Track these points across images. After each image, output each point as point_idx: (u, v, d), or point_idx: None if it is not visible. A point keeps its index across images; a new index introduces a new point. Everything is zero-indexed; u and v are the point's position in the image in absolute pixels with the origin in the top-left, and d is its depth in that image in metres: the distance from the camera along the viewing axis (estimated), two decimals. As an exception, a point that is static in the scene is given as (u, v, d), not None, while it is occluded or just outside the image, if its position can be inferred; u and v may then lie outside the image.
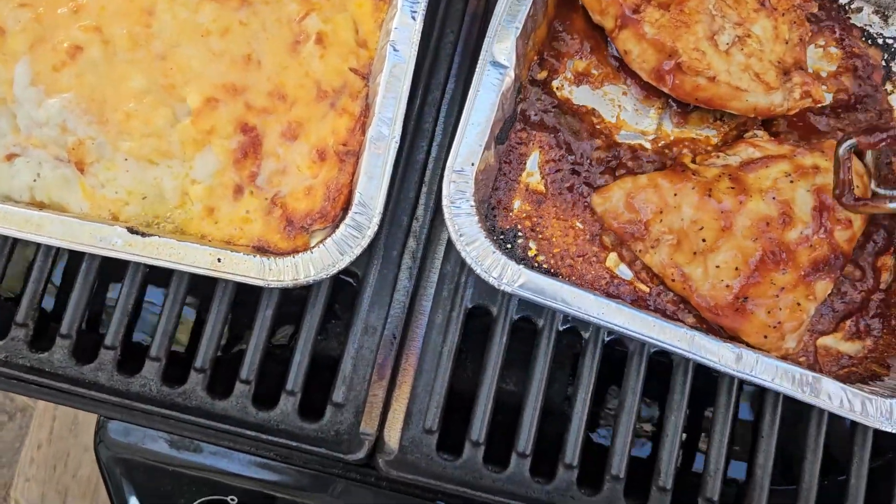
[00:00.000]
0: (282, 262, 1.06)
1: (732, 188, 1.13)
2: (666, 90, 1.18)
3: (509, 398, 1.23)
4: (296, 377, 1.16)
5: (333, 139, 1.17)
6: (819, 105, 1.22)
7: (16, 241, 1.21)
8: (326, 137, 1.17)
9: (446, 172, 1.08)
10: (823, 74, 1.30)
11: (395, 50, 1.11)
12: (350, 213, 1.07)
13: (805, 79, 1.16)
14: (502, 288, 1.06)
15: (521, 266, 1.07)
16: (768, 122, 1.26)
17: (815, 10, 1.24)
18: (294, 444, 1.14)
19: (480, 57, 1.12)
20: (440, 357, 1.17)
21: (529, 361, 1.18)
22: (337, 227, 1.15)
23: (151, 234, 1.06)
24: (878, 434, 1.14)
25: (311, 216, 1.16)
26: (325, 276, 1.05)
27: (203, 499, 1.25)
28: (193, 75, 1.17)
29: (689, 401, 1.17)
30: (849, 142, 1.07)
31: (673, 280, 1.15)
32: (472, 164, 1.08)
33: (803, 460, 1.16)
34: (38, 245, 1.20)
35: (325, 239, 1.13)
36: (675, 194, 1.14)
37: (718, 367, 1.07)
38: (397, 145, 1.09)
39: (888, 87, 1.31)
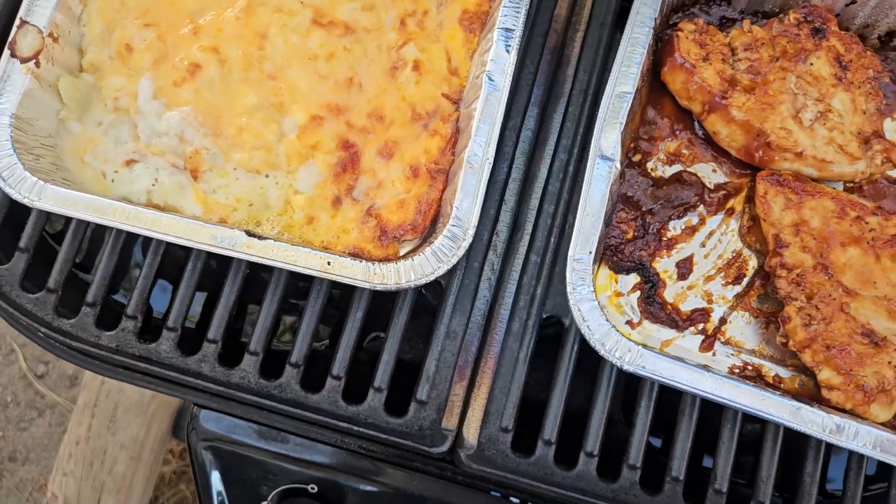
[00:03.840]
0: (385, 267, 1.16)
1: None
2: (755, 164, 1.30)
3: (571, 407, 1.33)
4: (383, 375, 1.26)
5: (425, 158, 1.28)
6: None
7: (126, 241, 1.32)
8: (419, 156, 1.28)
9: (568, 262, 1.19)
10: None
11: (490, 80, 1.22)
12: (447, 226, 1.18)
13: (885, 145, 1.28)
14: (624, 367, 1.17)
15: (641, 347, 1.17)
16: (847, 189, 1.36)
17: (888, 80, 1.34)
18: (383, 436, 1.24)
19: (590, 152, 1.22)
20: (516, 362, 1.27)
21: (597, 370, 1.28)
22: (425, 238, 1.26)
23: (267, 238, 1.16)
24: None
25: (403, 227, 1.26)
26: (424, 282, 1.16)
27: (286, 486, 1.34)
28: (301, 95, 1.28)
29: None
30: None
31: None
32: (590, 253, 1.19)
33: None
34: (150, 243, 1.30)
35: (415, 250, 1.24)
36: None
37: (820, 437, 1.15)
38: (490, 166, 1.19)
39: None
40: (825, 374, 1.18)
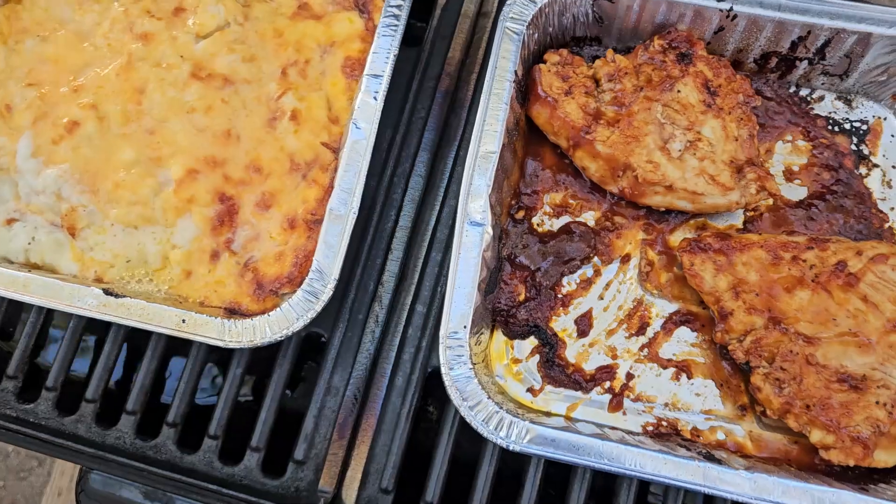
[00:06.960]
0: (241, 324, 1.13)
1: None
2: (628, 199, 1.23)
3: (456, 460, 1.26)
4: (260, 434, 1.22)
5: (303, 208, 1.25)
6: (776, 196, 1.24)
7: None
8: (297, 207, 1.25)
9: (441, 339, 1.09)
10: (795, 168, 1.29)
11: (357, 127, 1.19)
12: (307, 280, 1.14)
13: (758, 173, 1.18)
14: (510, 447, 1.05)
15: (527, 422, 1.07)
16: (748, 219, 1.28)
17: (759, 103, 1.26)
18: (255, 499, 1.18)
19: (457, 218, 1.14)
20: (398, 419, 1.22)
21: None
22: (306, 291, 1.22)
23: (124, 296, 1.14)
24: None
25: (280, 280, 1.22)
26: (280, 338, 1.11)
27: (174, 548, 1.30)
28: (178, 149, 1.27)
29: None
30: None
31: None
32: (465, 327, 1.10)
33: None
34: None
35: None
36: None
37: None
38: (355, 216, 1.15)
39: (862, 170, 1.30)
40: (816, 436, 1.08)
